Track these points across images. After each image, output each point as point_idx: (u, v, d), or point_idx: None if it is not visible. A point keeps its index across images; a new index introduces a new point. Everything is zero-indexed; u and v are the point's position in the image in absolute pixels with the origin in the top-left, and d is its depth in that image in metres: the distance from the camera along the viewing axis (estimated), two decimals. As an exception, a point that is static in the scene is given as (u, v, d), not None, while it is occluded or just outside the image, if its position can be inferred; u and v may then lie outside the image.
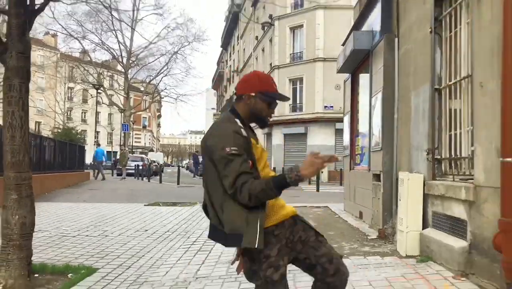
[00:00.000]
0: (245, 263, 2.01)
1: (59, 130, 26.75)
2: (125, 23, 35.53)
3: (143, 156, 36.54)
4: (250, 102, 2.04)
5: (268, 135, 29.26)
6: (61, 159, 16.05)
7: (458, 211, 4.02)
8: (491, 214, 3.38)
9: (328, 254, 2.09)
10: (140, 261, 5.07)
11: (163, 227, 7.24)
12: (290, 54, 27.48)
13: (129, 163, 27.47)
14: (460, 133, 4.28)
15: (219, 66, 62.68)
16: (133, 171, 25.62)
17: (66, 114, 52.76)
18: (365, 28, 7.75)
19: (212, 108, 72.09)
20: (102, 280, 4.29)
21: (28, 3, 4.26)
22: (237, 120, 2.00)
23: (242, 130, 1.95)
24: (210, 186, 2.00)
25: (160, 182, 20.68)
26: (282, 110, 27.14)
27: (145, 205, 10.35)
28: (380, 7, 6.58)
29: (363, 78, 8.02)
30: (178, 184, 18.96)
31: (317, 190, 15.42)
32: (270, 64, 29.05)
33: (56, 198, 11.70)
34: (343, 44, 9.20)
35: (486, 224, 3.50)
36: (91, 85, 33.92)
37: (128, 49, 38.86)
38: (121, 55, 38.62)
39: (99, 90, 37.97)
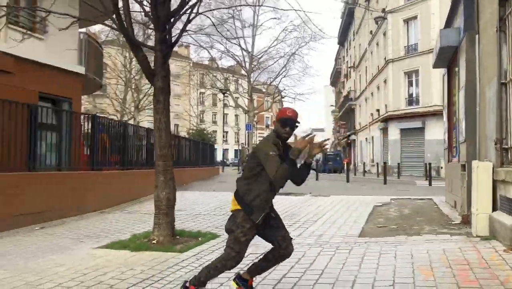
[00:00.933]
0: (229, 220, 3.19)
1: (193, 131, 30.38)
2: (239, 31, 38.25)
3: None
4: (275, 125, 3.24)
5: (384, 131, 29.03)
6: (195, 156, 18.75)
7: (513, 193, 4.55)
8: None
9: (283, 235, 3.23)
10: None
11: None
12: (405, 46, 26.90)
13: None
14: (520, 124, 4.75)
15: (337, 62, 62.83)
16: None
17: (199, 117, 58.78)
18: (456, 24, 8.09)
19: (331, 106, 72.34)
20: (222, 242, 5.80)
21: (167, 38, 5.99)
22: (274, 134, 3.25)
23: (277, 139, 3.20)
24: (246, 169, 3.27)
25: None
26: (397, 104, 26.78)
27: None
28: (463, 4, 6.98)
29: (455, 73, 8.33)
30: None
31: (430, 184, 15.40)
32: (385, 58, 28.77)
33: (191, 188, 14.05)
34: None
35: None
36: (218, 90, 37.44)
37: (250, 54, 41.95)
38: (244, 60, 41.83)
39: (225, 94, 41.88)
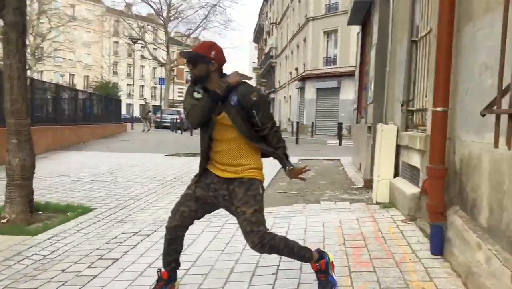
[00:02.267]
0: None
1: (98, 84, 27.96)
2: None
3: (180, 109, 37.57)
4: None
5: (301, 90, 29.08)
6: (97, 112, 17.03)
7: (415, 160, 4.16)
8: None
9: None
10: (135, 204, 5.62)
11: (171, 175, 7.78)
12: (326, 5, 26.59)
13: (165, 116, 28.47)
14: (429, 85, 4.31)
15: (260, 18, 61.57)
16: (169, 124, 26.60)
17: (111, 68, 54.68)
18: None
19: (253, 63, 71.60)
20: (93, 218, 4.87)
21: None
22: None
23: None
24: None
25: (191, 134, 21.41)
26: (315, 64, 26.74)
27: (165, 155, 10.97)
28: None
29: (369, 31, 7.89)
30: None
31: (340, 144, 15.52)
32: (306, 16, 28.32)
33: (87, 148, 12.63)
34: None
35: (431, 172, 3.64)
36: (132, 39, 34.68)
37: (168, 2, 39.17)
38: (161, 8, 39.03)
39: (142, 44, 38.90)
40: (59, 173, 7.86)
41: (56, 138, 11.74)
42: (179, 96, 68.28)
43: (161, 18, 40.35)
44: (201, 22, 41.87)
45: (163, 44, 42.65)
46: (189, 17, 41.90)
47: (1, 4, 4.52)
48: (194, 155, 11.13)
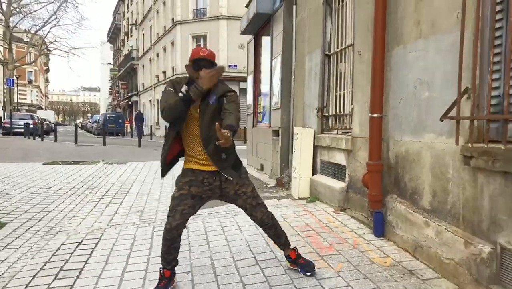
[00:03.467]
0: None
1: None
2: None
3: (33, 114, 33.68)
4: (188, 70, 2.81)
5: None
6: None
7: (340, 158, 4.84)
8: (363, 159, 4.20)
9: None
10: (50, 215, 5.17)
11: (68, 184, 7.21)
12: (193, 10, 27.01)
13: (16, 121, 25.30)
14: (344, 93, 5.06)
15: (115, 18, 58.76)
16: (22, 130, 23.71)
17: None
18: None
19: (109, 64, 67.87)
20: (13, 233, 4.38)
21: None
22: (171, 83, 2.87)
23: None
24: None
25: (56, 140, 19.54)
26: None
27: (43, 164, 9.98)
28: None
29: (265, 41, 8.55)
30: (76, 142, 18.17)
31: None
32: (172, 19, 28.27)
33: None
34: (246, 6, 9.57)
35: (359, 167, 4.33)
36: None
37: (8, -8, 34.66)
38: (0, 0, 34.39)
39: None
40: None
41: None
42: (21, 99, 60.72)
43: (0, 11, 35.56)
44: (50, 18, 38.30)
45: (2, 40, 37.60)
46: (35, 12, 37.48)
47: None
48: (75, 162, 10.37)
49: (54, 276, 3.14)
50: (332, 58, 5.40)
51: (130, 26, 47.17)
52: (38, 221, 4.89)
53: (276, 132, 7.20)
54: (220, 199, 2.93)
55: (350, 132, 4.64)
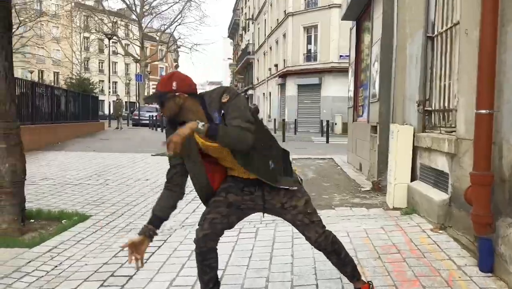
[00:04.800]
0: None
1: (73, 81, 26.93)
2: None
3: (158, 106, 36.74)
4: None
5: (282, 86, 28.90)
6: (74, 109, 16.30)
7: (442, 163, 3.96)
8: (469, 166, 3.31)
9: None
10: (134, 209, 5.24)
11: (164, 177, 7.37)
12: (305, 0, 26.45)
13: (143, 113, 27.75)
14: (450, 83, 4.12)
15: (235, 14, 61.03)
16: (147, 122, 25.93)
17: (83, 64, 52.96)
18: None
19: (228, 58, 71.02)
20: (92, 227, 4.47)
21: None
22: None
23: None
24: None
25: (173, 132, 20.83)
26: (296, 60, 26.59)
27: (152, 155, 10.53)
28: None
29: (366, 26, 7.71)
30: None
31: (327, 141, 15.38)
32: (284, 11, 28.09)
33: (66, 147, 12.00)
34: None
35: (465, 176, 3.43)
36: (104, 35, 33.59)
37: (141, -4, 38.19)
38: (134, 3, 38.07)
39: (114, 40, 37.83)
40: (42, 176, 7.35)
41: (33, 138, 11.07)
42: (153, 91, 66.96)
43: (134, 13, 39.38)
44: (176, 17, 41.26)
45: (137, 40, 41.70)
46: (163, 12, 40.76)
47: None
48: (181, 154, 10.73)
49: (102, 282, 3.02)
50: (436, 40, 4.47)
51: (247, 21, 48.51)
52: (121, 215, 4.97)
53: (374, 129, 6.40)
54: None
55: (455, 131, 3.74)
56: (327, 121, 17.73)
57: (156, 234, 2.28)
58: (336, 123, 22.47)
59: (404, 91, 5.29)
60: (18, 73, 45.84)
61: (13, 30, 18.07)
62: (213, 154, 2.23)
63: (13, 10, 23.44)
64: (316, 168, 8.48)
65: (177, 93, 2.08)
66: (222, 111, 2.09)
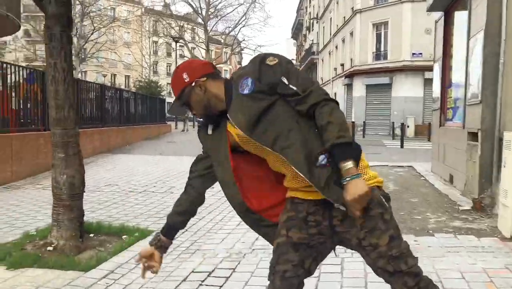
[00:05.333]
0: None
1: (141, 84, 27.73)
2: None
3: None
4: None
5: (348, 87, 27.69)
6: (142, 112, 16.54)
7: None
8: None
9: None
10: (199, 224, 4.77)
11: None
12: (374, -5, 25.09)
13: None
14: None
15: (299, 14, 60.20)
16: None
17: (151, 67, 54.99)
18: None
19: (292, 59, 70.42)
20: (153, 245, 4.03)
21: None
22: None
23: None
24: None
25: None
26: (364, 58, 25.31)
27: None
28: None
29: (459, 17, 6.71)
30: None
31: (401, 146, 14.17)
32: (352, 8, 26.87)
33: (134, 150, 12.04)
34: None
35: None
36: (172, 39, 34.41)
37: (206, 0, 38.71)
38: (200, 6, 38.67)
39: (181, 44, 38.71)
40: (107, 182, 7.19)
41: (103, 141, 11.21)
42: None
43: (200, 16, 40.02)
44: (240, 19, 41.36)
45: (202, 43, 42.37)
46: (228, 15, 41.17)
47: (41, -8, 3.75)
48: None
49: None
50: None
51: (311, 20, 47.50)
52: (184, 232, 4.51)
53: (473, 136, 5.43)
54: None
55: None
56: (401, 124, 16.39)
57: (168, 244, 1.88)
58: (408, 126, 20.96)
59: (520, 91, 4.33)
60: (93, 77, 48.63)
61: (88, 36, 18.94)
62: (255, 151, 1.66)
63: (88, 17, 24.55)
64: (396, 178, 7.58)
65: (193, 83, 1.65)
66: (264, 79, 1.54)
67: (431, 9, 7.64)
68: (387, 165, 9.22)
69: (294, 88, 1.52)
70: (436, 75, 8.09)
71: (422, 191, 6.31)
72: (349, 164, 1.46)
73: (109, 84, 40.83)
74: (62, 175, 3.82)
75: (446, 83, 7.44)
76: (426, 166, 8.49)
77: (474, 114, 5.40)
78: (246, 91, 1.55)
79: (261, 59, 1.58)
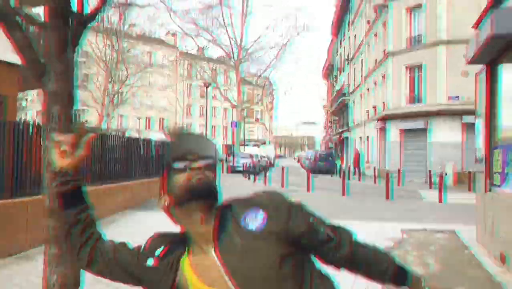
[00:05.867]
0: None
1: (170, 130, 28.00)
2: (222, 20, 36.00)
3: (253, 150, 36.85)
4: None
5: (382, 130, 26.84)
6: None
7: None
8: None
9: None
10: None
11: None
12: (407, 38, 24.57)
13: (238, 160, 27.69)
14: None
15: (330, 55, 60.51)
16: (241, 169, 25.75)
17: (185, 110, 56.13)
18: (509, 4, 5.81)
19: (323, 100, 70.25)
20: None
21: (74, 11, 3.59)
22: None
23: None
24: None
25: (265, 182, 20.00)
26: (398, 102, 24.58)
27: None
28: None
29: (509, 70, 6.09)
30: (283, 186, 18.08)
31: (440, 199, 13.12)
32: (384, 50, 26.46)
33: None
34: (475, 27, 7.25)
35: None
36: (203, 83, 35.04)
37: (238, 44, 39.53)
38: (232, 50, 39.47)
39: (209, 87, 39.47)
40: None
41: (127, 197, 10.92)
42: (250, 135, 68.52)
43: (232, 60, 40.79)
44: (271, 61, 41.80)
45: (234, 85, 42.99)
46: (259, 58, 41.81)
47: (40, 70, 3.47)
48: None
49: None
50: None
51: (342, 62, 47.45)
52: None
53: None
54: None
55: None
56: (441, 174, 15.31)
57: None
58: (446, 173, 19.76)
59: None
60: (129, 120, 50.00)
61: (125, 80, 19.25)
62: None
63: (123, 64, 25.16)
64: (437, 250, 6.76)
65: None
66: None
67: (472, 61, 7.05)
68: (425, 229, 8.38)
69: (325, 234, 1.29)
70: (479, 132, 7.37)
71: (470, 274, 5.48)
72: None
73: (140, 129, 41.72)
74: (53, 275, 3.38)
75: (492, 143, 6.71)
76: (470, 231, 7.61)
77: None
78: (252, 227, 1.21)
79: (282, 198, 1.31)
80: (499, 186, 6.28)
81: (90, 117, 33.67)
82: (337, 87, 49.73)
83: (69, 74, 3.63)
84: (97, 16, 4.01)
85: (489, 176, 6.73)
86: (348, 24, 42.30)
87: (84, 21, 3.75)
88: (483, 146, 7.07)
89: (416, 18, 24.24)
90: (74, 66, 3.71)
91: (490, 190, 6.67)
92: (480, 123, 7.36)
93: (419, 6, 23.59)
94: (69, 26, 3.60)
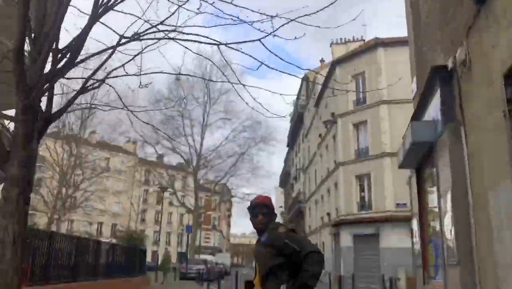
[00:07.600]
0: None
1: (121, 233, 27.25)
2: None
3: (207, 257, 35.76)
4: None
5: (336, 236, 27.30)
6: (120, 263, 15.75)
7: None
8: None
9: None
10: None
11: None
12: (355, 150, 26.55)
13: (191, 266, 26.74)
14: None
15: (286, 164, 62.96)
16: (194, 275, 24.76)
17: (139, 216, 54.70)
18: (427, 117, 6.87)
19: (280, 207, 70.98)
20: None
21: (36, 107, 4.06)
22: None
23: None
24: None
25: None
26: (349, 208, 25.56)
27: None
28: (439, 94, 5.74)
29: (430, 174, 6.93)
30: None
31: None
32: (335, 161, 28.19)
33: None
34: (403, 137, 8.31)
35: None
36: (160, 188, 35.09)
37: (197, 152, 40.80)
38: (191, 158, 40.53)
39: (170, 192, 39.37)
40: None
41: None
42: (205, 242, 66.58)
43: (191, 167, 41.64)
44: (229, 169, 42.98)
45: (191, 191, 43.20)
46: (217, 165, 43.02)
47: (5, 156, 3.81)
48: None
49: None
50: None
51: (297, 171, 49.40)
52: None
53: (458, 301, 5.06)
54: None
55: None
56: (391, 279, 15.59)
57: None
58: (399, 278, 20.00)
59: (494, 255, 4.16)
60: (79, 225, 47.89)
61: (78, 184, 19.12)
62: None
63: (79, 168, 25.03)
64: None
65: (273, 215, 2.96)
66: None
67: (402, 166, 7.94)
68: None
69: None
70: (415, 230, 8.00)
71: None
72: None
73: (91, 233, 40.04)
74: None
75: (426, 239, 7.30)
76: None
77: (454, 276, 5.13)
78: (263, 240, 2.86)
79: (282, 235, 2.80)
80: (433, 278, 6.71)
81: (39, 220, 32.20)
82: (293, 195, 50.92)
83: (31, 163, 3.98)
84: (61, 116, 4.52)
85: (426, 269, 7.18)
86: (303, 137, 45.10)
87: (49, 118, 4.23)
88: (419, 242, 7.64)
89: (362, 132, 26.50)
90: (35, 156, 4.08)
91: (427, 283, 7.06)
92: (415, 222, 8.02)
93: (364, 122, 25.99)
94: (37, 121, 4.06)
